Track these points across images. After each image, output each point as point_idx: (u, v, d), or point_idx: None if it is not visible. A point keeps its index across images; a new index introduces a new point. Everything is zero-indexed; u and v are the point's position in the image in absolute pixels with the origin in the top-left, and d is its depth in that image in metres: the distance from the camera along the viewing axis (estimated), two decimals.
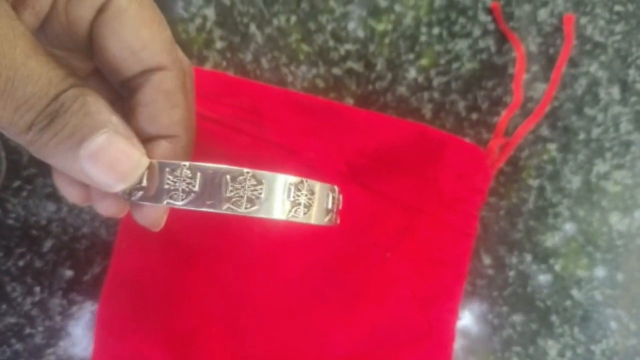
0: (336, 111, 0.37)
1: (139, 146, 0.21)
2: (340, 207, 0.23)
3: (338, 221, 0.23)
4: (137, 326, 0.36)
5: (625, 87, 0.39)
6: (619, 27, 0.39)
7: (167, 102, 0.22)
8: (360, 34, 0.39)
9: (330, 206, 0.22)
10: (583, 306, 0.38)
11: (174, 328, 0.36)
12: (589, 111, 0.39)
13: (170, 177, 0.20)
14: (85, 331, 0.38)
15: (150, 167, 0.21)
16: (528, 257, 0.38)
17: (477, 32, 0.39)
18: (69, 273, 0.39)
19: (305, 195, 0.21)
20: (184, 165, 0.20)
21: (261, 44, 0.39)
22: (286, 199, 0.20)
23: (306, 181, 0.21)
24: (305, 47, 0.39)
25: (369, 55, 0.39)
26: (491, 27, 0.39)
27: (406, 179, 0.36)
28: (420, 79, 0.39)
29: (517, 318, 0.38)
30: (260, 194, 0.20)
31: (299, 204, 0.20)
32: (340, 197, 0.23)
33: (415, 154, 0.36)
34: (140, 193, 0.21)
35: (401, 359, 0.36)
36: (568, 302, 0.38)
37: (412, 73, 0.39)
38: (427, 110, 0.39)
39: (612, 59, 0.39)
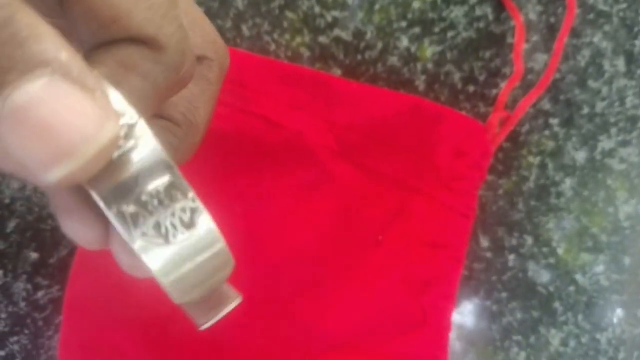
0: (325, 83, 0.36)
1: (104, 103, 0.13)
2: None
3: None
4: (107, 314, 0.35)
5: (631, 58, 0.38)
6: None
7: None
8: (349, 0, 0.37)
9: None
10: (588, 292, 0.37)
11: (146, 315, 0.34)
12: (593, 84, 0.38)
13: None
14: (52, 318, 0.37)
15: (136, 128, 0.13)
16: (529, 240, 0.37)
17: None
18: (34, 256, 0.37)
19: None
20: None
21: (242, 10, 0.38)
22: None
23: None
24: (289, 14, 0.37)
25: (358, 23, 0.38)
26: None
27: (400, 155, 0.35)
28: (413, 48, 0.37)
29: (518, 305, 0.37)
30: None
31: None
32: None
33: (410, 129, 0.35)
34: (109, 183, 0.13)
35: (393, 349, 0.35)
36: (572, 288, 0.37)
37: (404, 42, 0.37)
38: (421, 82, 0.38)
39: (617, 29, 0.38)
